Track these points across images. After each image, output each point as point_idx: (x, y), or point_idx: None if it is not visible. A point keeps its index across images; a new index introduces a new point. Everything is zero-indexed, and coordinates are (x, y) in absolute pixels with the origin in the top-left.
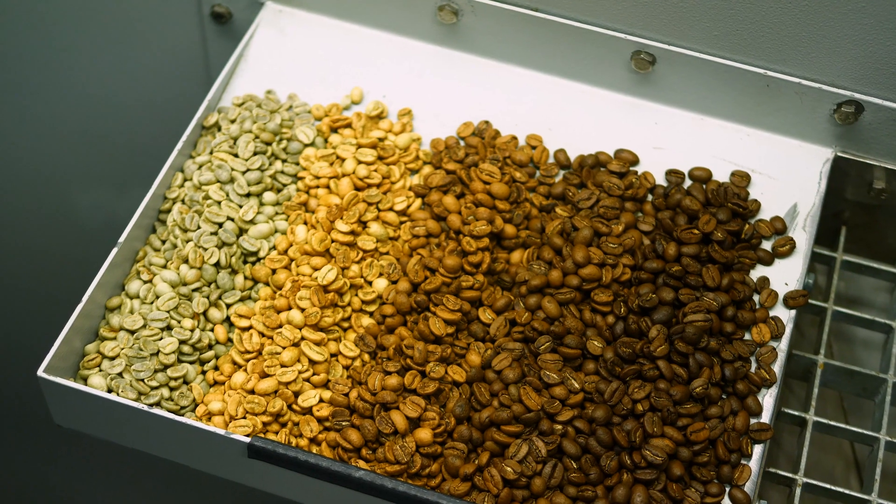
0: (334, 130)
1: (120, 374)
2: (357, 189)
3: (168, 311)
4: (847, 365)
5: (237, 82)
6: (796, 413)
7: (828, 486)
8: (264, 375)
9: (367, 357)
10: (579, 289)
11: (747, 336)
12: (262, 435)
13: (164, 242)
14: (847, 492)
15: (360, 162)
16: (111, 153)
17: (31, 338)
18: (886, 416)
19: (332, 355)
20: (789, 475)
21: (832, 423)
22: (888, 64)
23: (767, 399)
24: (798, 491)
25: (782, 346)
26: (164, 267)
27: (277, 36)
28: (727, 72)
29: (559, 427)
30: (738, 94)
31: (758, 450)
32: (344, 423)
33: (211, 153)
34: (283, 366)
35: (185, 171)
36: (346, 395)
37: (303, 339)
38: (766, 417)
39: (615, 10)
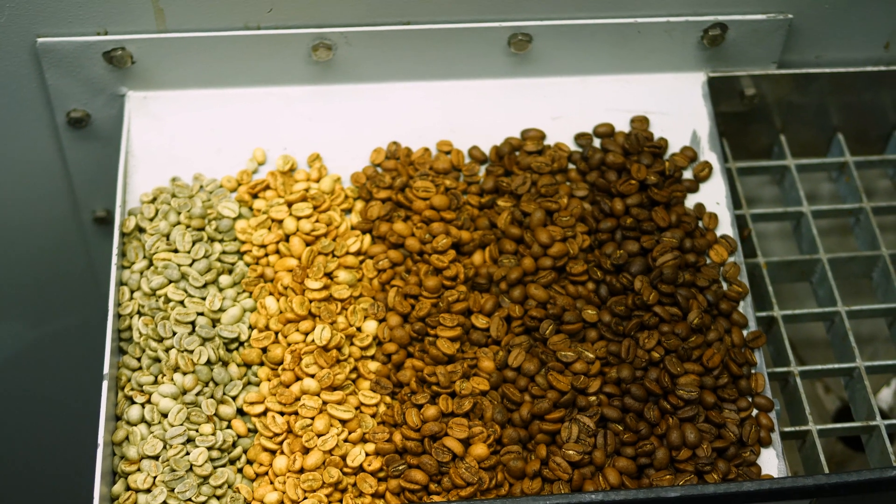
0: (255, 196)
1: (165, 503)
2: (308, 244)
3: (182, 424)
4: (785, 257)
5: (134, 180)
6: (765, 314)
7: (819, 367)
8: (306, 451)
9: (388, 399)
10: (554, 268)
11: (708, 260)
12: None
13: (139, 360)
14: (836, 366)
15: (298, 218)
16: None
17: None
18: (836, 290)
19: (356, 408)
20: (786, 369)
21: (797, 311)
22: None
23: (747, 309)
24: (798, 381)
25: (739, 258)
26: (155, 383)
27: (154, 122)
28: (599, 30)
29: (593, 398)
30: (612, 48)
31: (758, 356)
32: (401, 468)
33: (147, 257)
34: (319, 435)
35: (129, 283)
36: (389, 440)
37: (325, 403)
38: (752, 326)
39: (484, 1)
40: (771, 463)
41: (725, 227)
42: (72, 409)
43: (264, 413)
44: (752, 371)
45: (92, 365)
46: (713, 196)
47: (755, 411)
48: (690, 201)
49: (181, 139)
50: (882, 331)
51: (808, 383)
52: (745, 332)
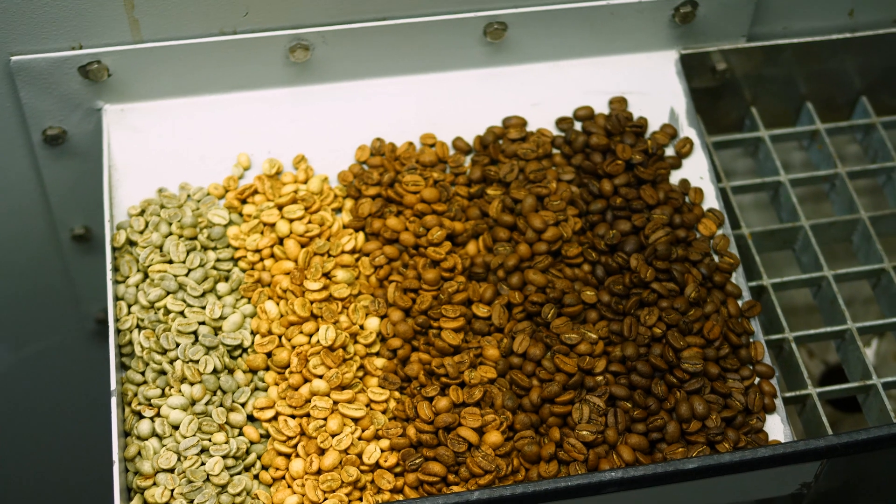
0: (244, 202)
1: None
2: (302, 246)
3: (195, 435)
4: (768, 227)
5: (118, 193)
6: (754, 283)
7: (812, 331)
8: (322, 452)
9: (397, 394)
10: (549, 252)
11: (698, 234)
12: None
13: (143, 374)
14: (829, 329)
15: (291, 220)
16: None
17: None
18: (820, 255)
19: (366, 406)
20: (782, 336)
21: (785, 279)
22: None
23: (739, 280)
24: (794, 346)
25: (727, 230)
26: (163, 395)
27: (134, 135)
28: (572, 14)
29: (601, 378)
30: (586, 32)
31: (755, 325)
32: (418, 461)
33: (141, 270)
34: (333, 435)
35: (126, 298)
36: (403, 434)
37: (335, 403)
38: (746, 296)
39: None
40: (777, 428)
41: (711, 201)
42: (63, 429)
43: (275, 417)
44: (751, 340)
45: (79, 384)
46: (696, 171)
47: (757, 379)
48: (675, 177)
49: (163, 150)
50: (860, 293)
51: None
52: (739, 303)
